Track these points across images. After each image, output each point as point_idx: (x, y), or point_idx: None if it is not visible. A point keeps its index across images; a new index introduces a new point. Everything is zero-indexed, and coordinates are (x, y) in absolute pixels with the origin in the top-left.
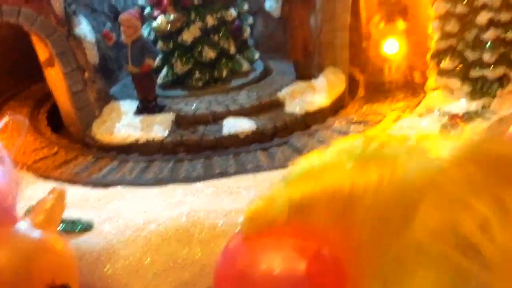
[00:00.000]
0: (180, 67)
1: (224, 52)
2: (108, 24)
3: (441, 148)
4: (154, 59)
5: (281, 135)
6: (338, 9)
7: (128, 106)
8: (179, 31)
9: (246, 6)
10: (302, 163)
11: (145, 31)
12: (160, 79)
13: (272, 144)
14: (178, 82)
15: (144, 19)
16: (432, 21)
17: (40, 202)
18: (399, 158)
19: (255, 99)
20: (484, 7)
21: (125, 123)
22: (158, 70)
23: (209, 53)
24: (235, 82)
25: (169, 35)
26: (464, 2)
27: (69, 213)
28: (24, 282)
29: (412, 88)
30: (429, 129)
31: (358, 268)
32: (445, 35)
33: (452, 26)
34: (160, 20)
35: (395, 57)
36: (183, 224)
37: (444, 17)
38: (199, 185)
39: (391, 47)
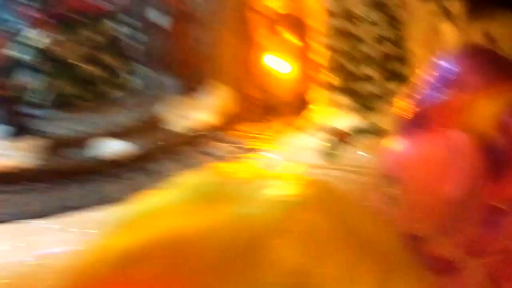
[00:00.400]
0: (62, 87)
1: (109, 69)
2: None
3: (290, 188)
4: (18, 80)
5: (162, 154)
6: (224, 23)
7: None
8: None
9: (133, 21)
10: (135, 206)
11: (17, 50)
12: (39, 100)
13: (137, 169)
14: (59, 102)
15: (13, 36)
16: (322, 36)
17: None
18: (242, 197)
19: (133, 120)
20: (370, 24)
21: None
22: (36, 91)
23: (93, 71)
24: (117, 100)
25: (50, 53)
26: (352, 19)
27: None
28: None
29: (304, 106)
30: (312, 147)
31: None
32: (333, 51)
33: (340, 42)
34: (39, 38)
35: (286, 76)
36: (31, 268)
37: (332, 33)
38: (52, 220)
39: (281, 65)
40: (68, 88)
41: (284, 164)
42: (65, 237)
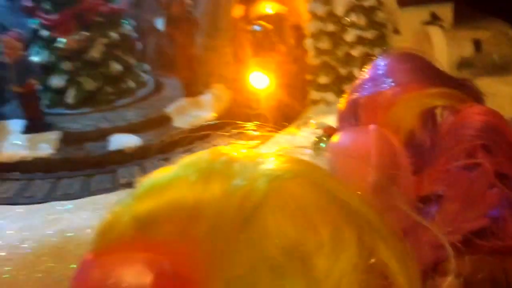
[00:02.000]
0: (89, 84)
1: (127, 66)
2: None
3: (278, 164)
4: (37, 79)
5: (168, 150)
6: (221, 27)
7: (16, 125)
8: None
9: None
10: (149, 178)
11: (40, 53)
12: (69, 99)
13: (153, 160)
14: (87, 99)
15: (34, 40)
16: (307, 38)
17: None
18: (244, 172)
19: (142, 116)
20: (352, 25)
21: (12, 141)
22: (64, 90)
23: (116, 67)
24: (125, 99)
25: (76, 54)
26: (334, 21)
27: None
28: None
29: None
30: (303, 141)
31: (206, 281)
32: (318, 52)
33: (325, 44)
34: (65, 40)
35: (264, 91)
36: (59, 241)
37: (317, 35)
38: (77, 202)
39: (260, 81)
40: (88, 85)
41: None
42: (86, 216)
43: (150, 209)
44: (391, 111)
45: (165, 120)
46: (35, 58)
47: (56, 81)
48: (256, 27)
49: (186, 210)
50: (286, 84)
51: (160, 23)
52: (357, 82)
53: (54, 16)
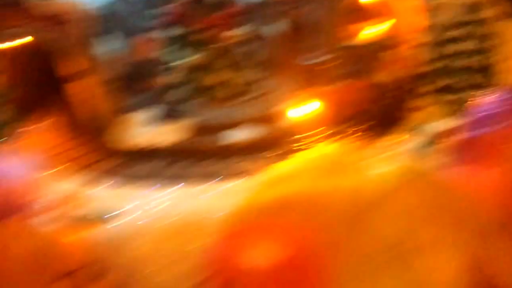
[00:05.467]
0: (205, 81)
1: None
2: (127, 44)
3: (390, 170)
4: (169, 75)
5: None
6: (338, 32)
7: (147, 115)
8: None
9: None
10: (275, 169)
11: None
12: (185, 91)
13: (273, 152)
14: (203, 94)
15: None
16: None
17: (57, 199)
18: (359, 171)
19: (257, 112)
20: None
21: (143, 130)
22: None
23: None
24: (247, 96)
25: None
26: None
27: (99, 204)
28: (39, 269)
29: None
30: (410, 146)
31: (325, 265)
32: (424, 61)
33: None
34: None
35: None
36: (186, 221)
37: (425, 44)
38: (206, 186)
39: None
40: (210, 81)
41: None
42: (213, 200)
43: (278, 198)
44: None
45: (278, 118)
46: (175, 58)
47: (184, 77)
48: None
49: (310, 201)
50: (391, 90)
51: (269, 30)
52: (473, 116)
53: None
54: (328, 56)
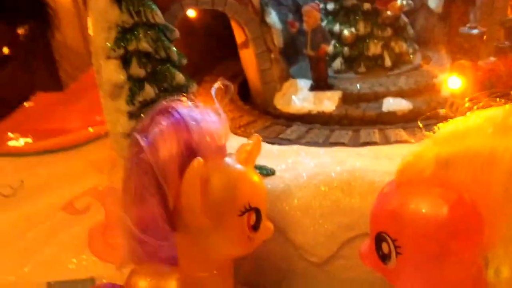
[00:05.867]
0: (358, 54)
1: (387, 45)
2: (290, 15)
3: None
4: (328, 45)
5: (435, 115)
6: (497, 4)
7: (304, 83)
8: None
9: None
10: (448, 126)
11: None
12: (344, 60)
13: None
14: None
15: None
16: None
17: (243, 145)
18: None
19: (413, 83)
20: None
21: (300, 97)
22: (331, 57)
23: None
24: (396, 69)
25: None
26: None
27: (257, 161)
28: (230, 200)
29: None
30: None
31: (493, 215)
32: None
33: None
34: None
35: None
36: (346, 178)
37: None
38: (360, 149)
39: None
40: (370, 52)
41: None
42: (366, 161)
43: (450, 153)
44: None
45: (433, 89)
46: (337, 28)
47: (340, 48)
48: None
49: (482, 157)
50: None
51: (432, 2)
52: None
53: None
54: (485, 29)
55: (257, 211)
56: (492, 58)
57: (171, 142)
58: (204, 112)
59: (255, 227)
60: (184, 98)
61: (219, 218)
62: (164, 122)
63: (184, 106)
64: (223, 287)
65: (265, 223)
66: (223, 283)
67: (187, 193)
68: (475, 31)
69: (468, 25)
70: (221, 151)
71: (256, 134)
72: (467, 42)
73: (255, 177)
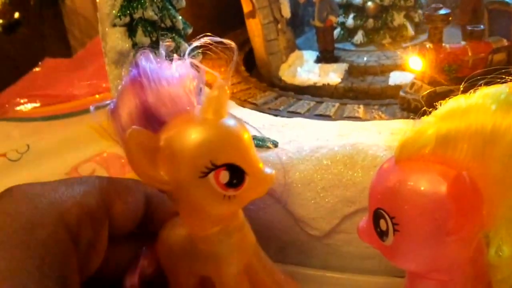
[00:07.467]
0: (367, 25)
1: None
2: None
3: None
4: (336, 17)
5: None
6: None
7: (310, 55)
8: None
9: None
10: (450, 103)
11: None
12: (348, 35)
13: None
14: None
15: None
16: None
17: (208, 94)
18: None
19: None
20: None
21: (306, 68)
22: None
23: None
24: (404, 43)
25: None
26: None
27: (260, 133)
28: (186, 164)
29: None
30: None
31: (493, 194)
32: None
33: None
34: None
35: None
36: (349, 152)
37: None
38: (363, 123)
39: None
40: (372, 27)
41: None
42: (371, 135)
43: (451, 129)
44: None
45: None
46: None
47: (350, 21)
48: None
49: (483, 135)
50: None
51: None
52: None
53: None
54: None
55: (231, 167)
56: (462, 42)
57: (129, 102)
58: (173, 67)
59: (232, 184)
60: (163, 46)
61: (182, 183)
62: (125, 79)
63: (149, 59)
64: (239, 237)
65: (256, 175)
66: (238, 233)
67: (133, 165)
68: (441, 12)
69: (433, 5)
70: (185, 112)
71: (219, 79)
72: (429, 23)
73: (224, 129)
